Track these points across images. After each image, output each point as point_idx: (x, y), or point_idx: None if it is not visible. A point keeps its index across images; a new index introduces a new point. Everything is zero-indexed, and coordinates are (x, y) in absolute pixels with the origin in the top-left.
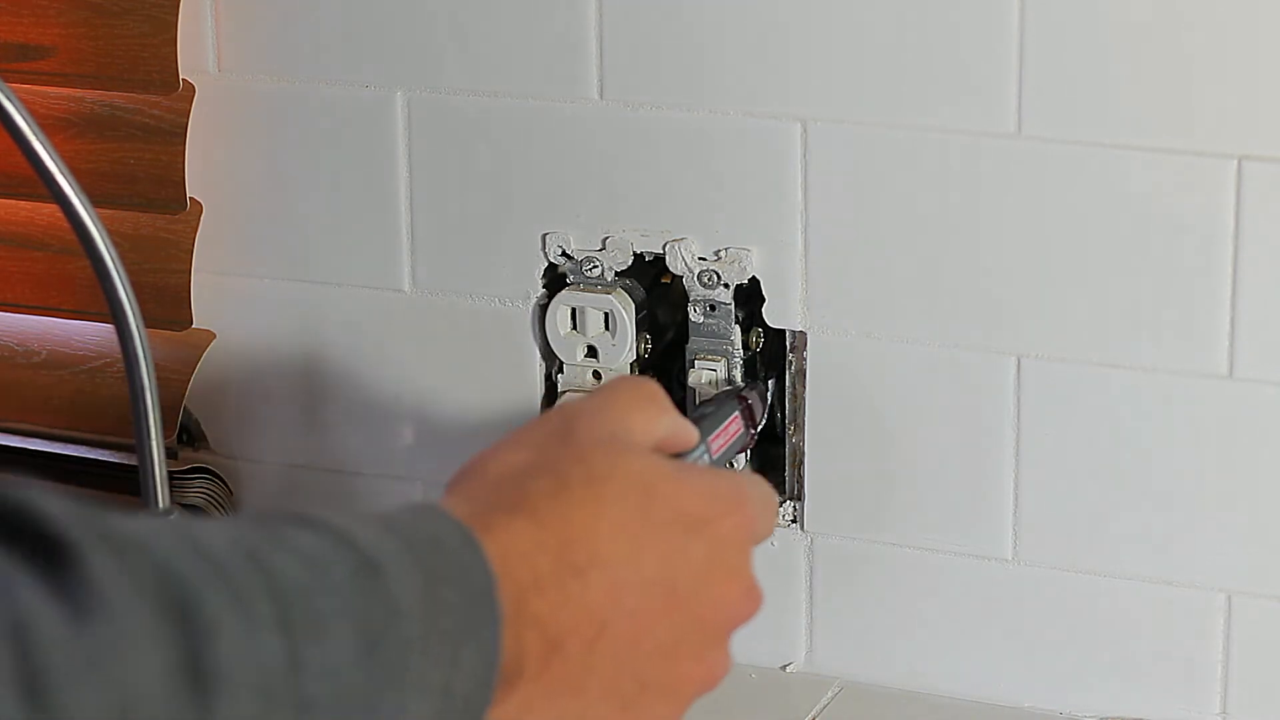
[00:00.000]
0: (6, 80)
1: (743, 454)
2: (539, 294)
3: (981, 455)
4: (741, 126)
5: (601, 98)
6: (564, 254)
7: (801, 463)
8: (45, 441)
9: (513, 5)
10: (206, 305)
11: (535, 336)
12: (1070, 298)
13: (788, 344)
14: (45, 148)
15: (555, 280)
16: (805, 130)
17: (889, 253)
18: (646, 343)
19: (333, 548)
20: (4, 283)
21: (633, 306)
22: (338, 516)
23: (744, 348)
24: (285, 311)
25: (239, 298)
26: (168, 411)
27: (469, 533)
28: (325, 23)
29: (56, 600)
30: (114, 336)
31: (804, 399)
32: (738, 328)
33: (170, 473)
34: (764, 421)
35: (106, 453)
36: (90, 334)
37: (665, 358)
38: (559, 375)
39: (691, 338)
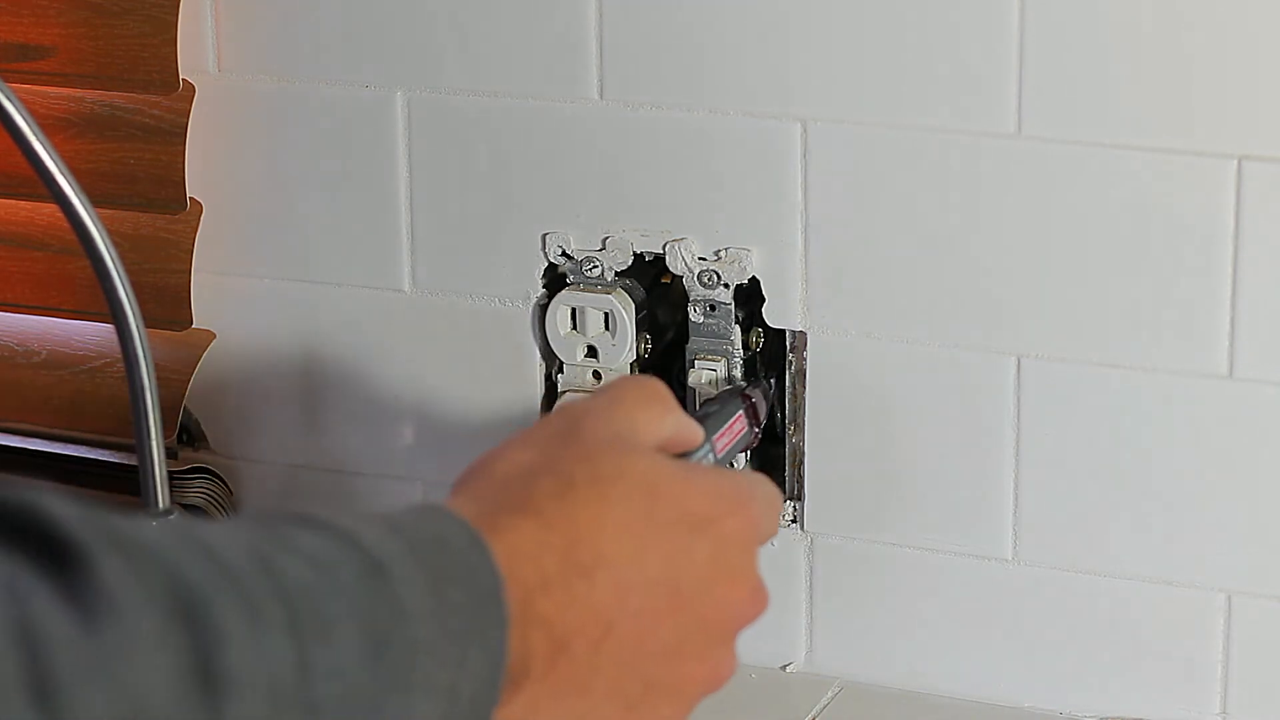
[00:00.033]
0: (6, 80)
1: (744, 453)
2: (539, 294)
3: (981, 455)
4: (741, 126)
5: (601, 98)
6: (564, 254)
7: (801, 463)
8: (45, 441)
9: (513, 5)
10: (206, 305)
11: (535, 336)
12: (1070, 298)
13: (788, 344)
14: (45, 148)
15: (555, 280)
16: (805, 130)
17: (889, 253)
18: (646, 343)
19: (339, 549)
20: (4, 283)
21: (633, 306)
22: (343, 517)
23: (744, 348)
24: (285, 311)
25: (239, 298)
26: (168, 411)
27: (475, 533)
28: (325, 23)
29: (66, 604)
30: (114, 336)
31: (804, 399)
32: (738, 328)
33: (170, 473)
34: (767, 420)
35: (106, 453)
36: (90, 334)
37: (665, 358)
38: (559, 375)
39: (691, 338)
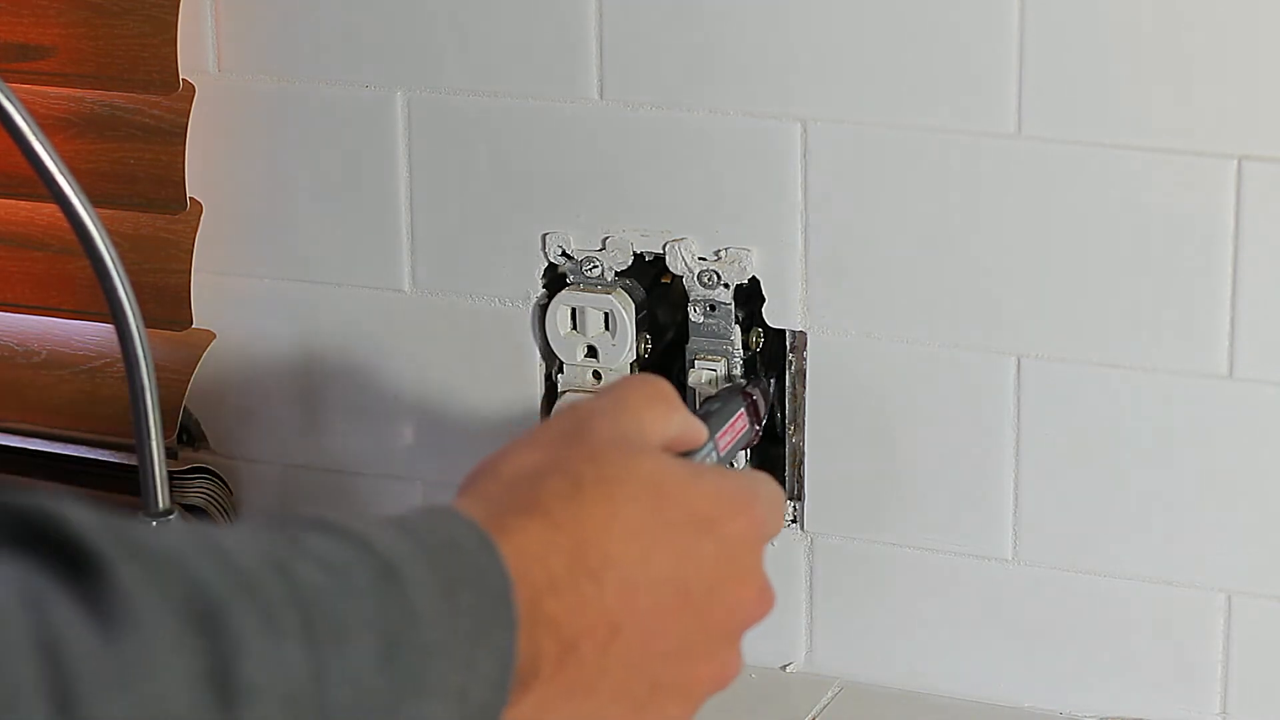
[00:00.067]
0: (6, 80)
1: (745, 450)
2: (539, 294)
3: (981, 455)
4: (741, 126)
5: (601, 98)
6: (564, 254)
7: (801, 463)
8: (45, 441)
9: (513, 5)
10: (206, 305)
11: (535, 336)
12: (1070, 298)
13: (788, 344)
14: (45, 148)
15: (555, 280)
16: (805, 130)
17: (889, 253)
18: (646, 343)
19: (352, 552)
20: (4, 283)
21: (633, 306)
22: (354, 520)
23: (744, 348)
24: (285, 311)
25: (239, 298)
26: (168, 411)
27: (485, 535)
28: (325, 23)
29: (86, 613)
30: (114, 336)
31: (804, 399)
32: (738, 328)
33: (170, 473)
34: (767, 418)
35: (106, 453)
36: (90, 334)
37: (665, 358)
38: (559, 375)
39: (691, 338)
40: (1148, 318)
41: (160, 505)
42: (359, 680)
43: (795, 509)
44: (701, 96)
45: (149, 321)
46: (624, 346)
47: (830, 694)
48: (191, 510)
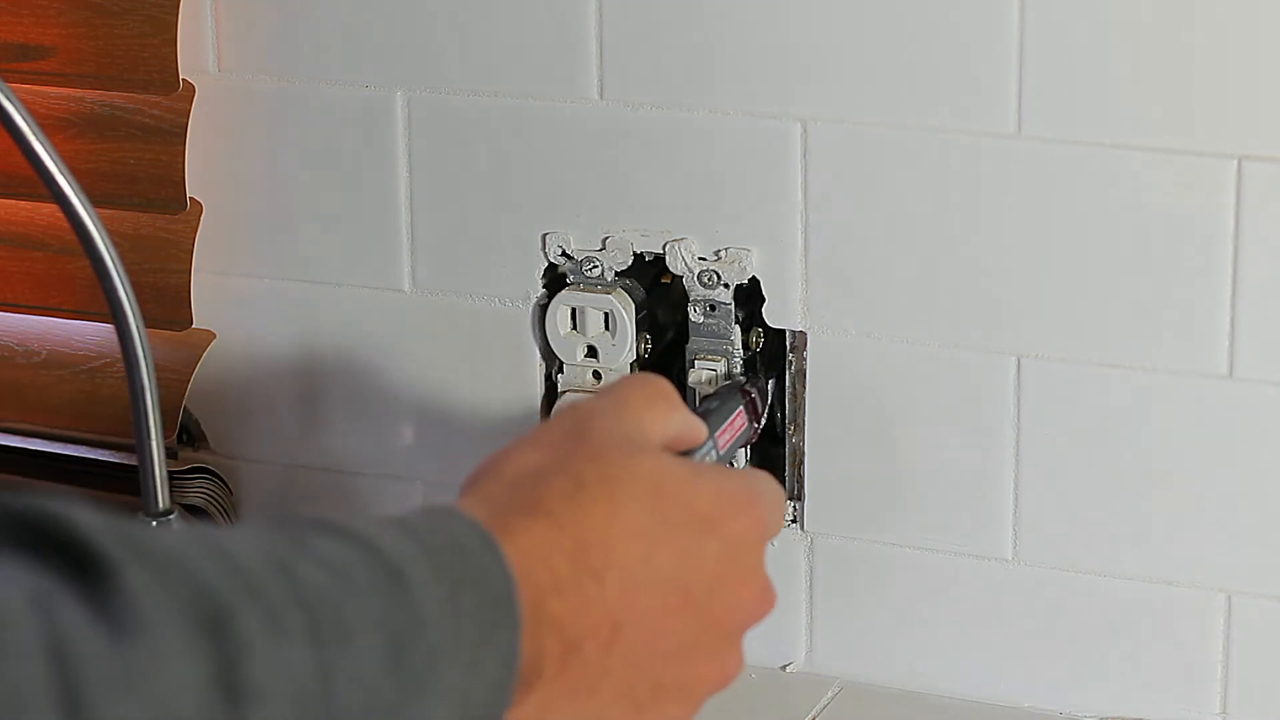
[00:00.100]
0: (6, 80)
1: (745, 448)
2: (539, 294)
3: (981, 455)
4: (741, 126)
5: (601, 98)
6: (564, 254)
7: (801, 463)
8: (45, 441)
9: (513, 5)
10: (206, 305)
11: (535, 336)
12: (1070, 298)
13: (788, 344)
14: (45, 148)
15: (555, 280)
16: (805, 130)
17: (889, 253)
18: (646, 343)
19: (357, 554)
20: (4, 283)
21: (633, 306)
22: (358, 522)
23: (744, 348)
24: (285, 311)
25: (239, 298)
26: (168, 411)
27: (488, 536)
28: (325, 23)
29: (94, 617)
30: (114, 336)
31: (804, 399)
32: (738, 328)
33: (170, 473)
34: (766, 416)
35: (106, 453)
36: (90, 334)
37: (665, 358)
38: (559, 375)
39: (691, 338)
40: (1148, 318)
41: (160, 505)
42: (365, 681)
43: (795, 509)
44: (701, 96)
45: (149, 321)
46: (624, 346)
47: (830, 694)
48: (191, 510)
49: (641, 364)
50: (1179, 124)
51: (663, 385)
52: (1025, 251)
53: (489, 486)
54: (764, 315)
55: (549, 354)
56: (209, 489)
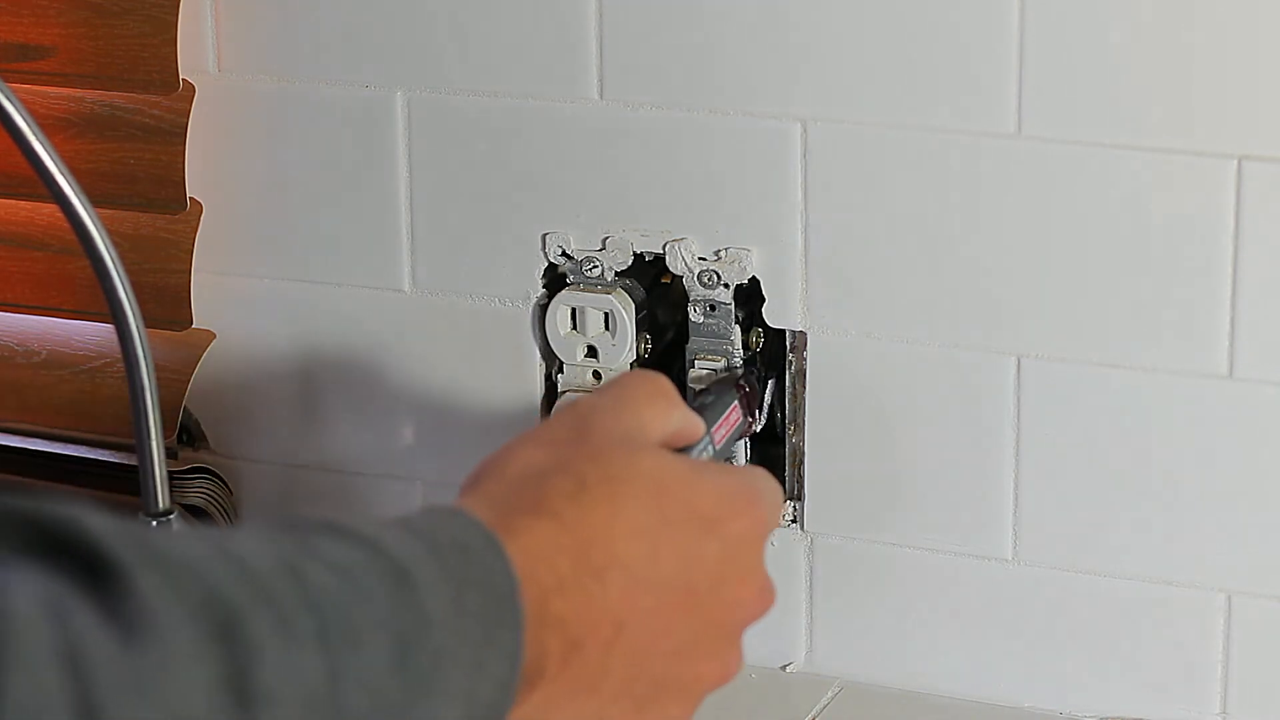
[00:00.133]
0: (6, 80)
1: (743, 440)
2: (539, 294)
3: (981, 455)
4: (741, 126)
5: (601, 98)
6: (564, 254)
7: (801, 463)
8: (45, 441)
9: (513, 5)
10: (206, 305)
11: (535, 336)
12: (1070, 298)
13: (788, 344)
14: (45, 148)
15: (555, 280)
16: (805, 130)
17: (889, 253)
18: (646, 343)
19: (364, 556)
20: (4, 283)
21: (633, 306)
22: (364, 523)
23: (744, 348)
24: (285, 311)
25: (239, 298)
26: (168, 411)
27: (493, 536)
28: (325, 23)
29: (107, 622)
30: (114, 336)
31: (804, 399)
32: (738, 328)
33: (170, 473)
34: (764, 414)
35: (106, 453)
36: (90, 334)
37: (665, 358)
38: (559, 375)
39: (691, 338)
40: (1148, 318)
41: (160, 505)
42: (373, 684)
43: (795, 509)
44: (701, 96)
45: (149, 321)
46: (624, 346)
47: (830, 694)
48: (191, 510)
49: (641, 364)
50: (1179, 124)
51: (662, 382)
52: (1025, 251)
53: (492, 486)
54: (764, 315)
55: (549, 354)
56: (209, 489)
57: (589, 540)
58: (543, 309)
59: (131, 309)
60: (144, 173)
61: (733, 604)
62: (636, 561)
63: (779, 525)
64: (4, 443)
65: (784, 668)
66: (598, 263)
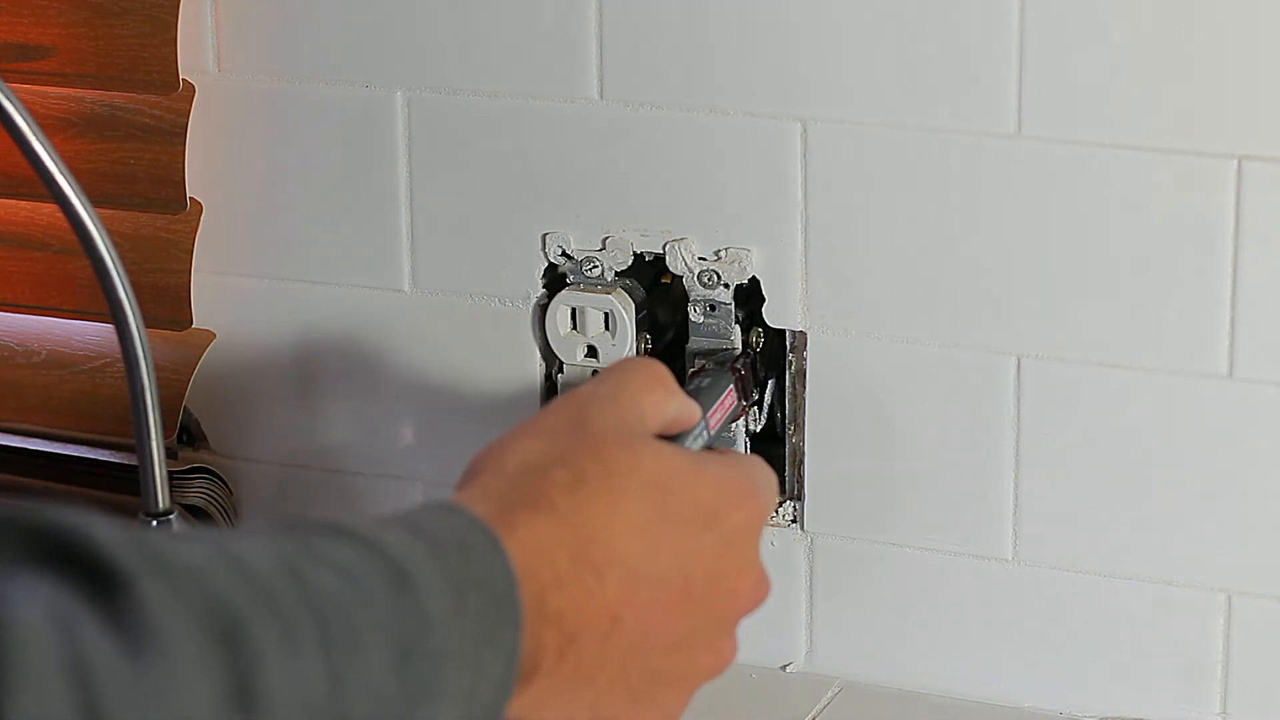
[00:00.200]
0: (6, 80)
1: (741, 423)
2: (539, 294)
3: (981, 455)
4: (741, 126)
5: (601, 98)
6: (564, 254)
7: (801, 463)
8: (45, 441)
9: (513, 5)
10: (206, 305)
11: (535, 336)
12: (1070, 298)
13: (788, 344)
14: (45, 148)
15: (555, 280)
16: (805, 130)
17: (889, 253)
18: (646, 343)
19: (365, 558)
20: (4, 283)
21: (633, 306)
22: (364, 523)
23: (744, 348)
24: (285, 311)
25: (239, 298)
26: (168, 411)
27: (492, 533)
28: (325, 23)
29: (112, 631)
30: (114, 336)
31: (804, 399)
32: (738, 328)
33: (170, 473)
34: (764, 414)
35: (106, 453)
36: (90, 334)
37: (665, 357)
38: (559, 375)
39: (691, 338)
40: (1148, 318)
41: (160, 505)
42: (375, 687)
43: (795, 509)
44: (701, 96)
45: (149, 321)
46: (624, 346)
47: (830, 694)
48: (191, 510)
49: None
50: (1179, 124)
51: (659, 370)
52: (1025, 251)
53: (490, 480)
54: (764, 315)
55: (549, 354)
56: (209, 489)
57: (588, 536)
58: (543, 309)
59: (131, 309)
60: (144, 173)
61: (730, 596)
62: (635, 558)
63: (774, 509)
64: (4, 443)
65: (784, 668)
66: (598, 263)
